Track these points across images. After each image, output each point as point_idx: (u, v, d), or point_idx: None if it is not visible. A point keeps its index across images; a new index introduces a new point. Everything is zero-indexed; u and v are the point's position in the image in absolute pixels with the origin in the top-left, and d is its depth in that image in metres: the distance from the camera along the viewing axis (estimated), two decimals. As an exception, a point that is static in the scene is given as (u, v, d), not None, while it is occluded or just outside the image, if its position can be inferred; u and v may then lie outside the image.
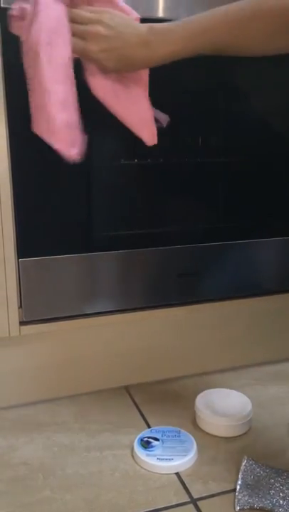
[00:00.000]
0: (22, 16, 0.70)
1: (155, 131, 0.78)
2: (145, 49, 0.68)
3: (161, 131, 0.93)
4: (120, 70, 0.72)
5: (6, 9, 0.75)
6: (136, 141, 0.93)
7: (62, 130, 0.69)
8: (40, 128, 0.69)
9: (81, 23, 0.68)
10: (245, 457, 0.80)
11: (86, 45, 0.68)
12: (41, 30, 0.66)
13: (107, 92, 0.74)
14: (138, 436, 0.85)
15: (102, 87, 0.73)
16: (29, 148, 0.84)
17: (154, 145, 0.93)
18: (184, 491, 0.76)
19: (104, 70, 0.71)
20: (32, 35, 0.67)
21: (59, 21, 0.68)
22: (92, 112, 0.87)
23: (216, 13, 0.65)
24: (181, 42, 0.67)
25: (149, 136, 0.77)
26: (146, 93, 0.76)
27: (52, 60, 0.67)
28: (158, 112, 0.80)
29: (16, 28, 0.71)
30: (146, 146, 0.93)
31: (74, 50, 0.69)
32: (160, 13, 0.84)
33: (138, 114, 0.76)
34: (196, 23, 0.66)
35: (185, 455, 0.81)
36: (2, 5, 0.75)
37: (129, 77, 0.74)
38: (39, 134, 0.69)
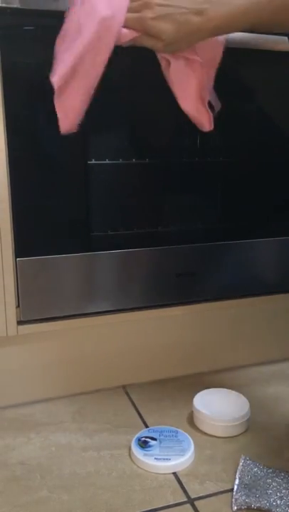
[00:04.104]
0: None
1: (212, 116, 0.78)
2: (200, 17, 0.68)
3: (159, 131, 0.94)
4: (176, 42, 0.71)
5: (4, 9, 0.76)
6: (134, 140, 0.93)
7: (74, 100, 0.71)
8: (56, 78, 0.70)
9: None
10: (243, 457, 0.80)
11: (141, 15, 0.69)
12: None
13: (177, 74, 0.75)
14: (135, 436, 0.85)
15: (173, 71, 0.74)
16: (27, 147, 0.84)
17: (153, 145, 0.94)
18: (181, 491, 0.76)
19: (162, 43, 0.71)
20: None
21: None
22: (91, 112, 0.87)
23: None
24: (237, 13, 0.68)
25: (207, 121, 0.78)
26: (214, 75, 0.77)
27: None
28: (214, 96, 0.81)
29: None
30: (144, 145, 0.93)
31: (129, 22, 0.70)
32: None
33: (198, 97, 0.77)
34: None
35: (182, 455, 0.81)
36: (0, 4, 0.75)
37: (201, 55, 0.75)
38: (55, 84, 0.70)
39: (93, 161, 0.90)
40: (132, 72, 0.88)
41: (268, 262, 1.06)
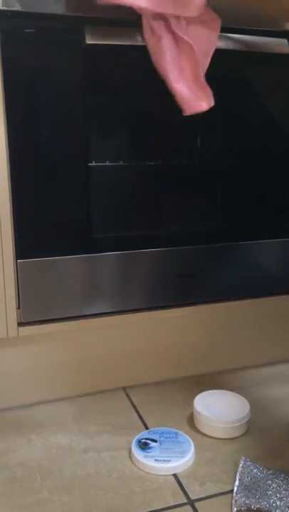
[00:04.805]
0: None
1: (210, 91, 0.77)
2: None
3: (159, 133, 0.94)
4: None
5: (5, 12, 0.76)
6: (134, 142, 0.94)
7: None
8: None
9: None
10: (243, 458, 0.80)
11: None
12: None
13: (170, 51, 0.75)
14: (136, 438, 0.85)
15: (166, 48, 0.74)
16: (28, 149, 0.84)
17: (153, 146, 0.94)
18: (181, 493, 0.76)
19: None
20: None
21: None
22: (92, 114, 0.88)
23: None
24: None
25: (205, 97, 0.77)
26: (207, 64, 0.77)
27: None
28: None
29: None
30: (144, 147, 0.94)
31: None
32: None
33: (192, 76, 0.76)
34: None
35: (183, 456, 0.81)
36: (1, 7, 0.75)
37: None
38: None
39: (94, 163, 0.90)
40: (133, 74, 0.88)
41: (269, 263, 1.06)
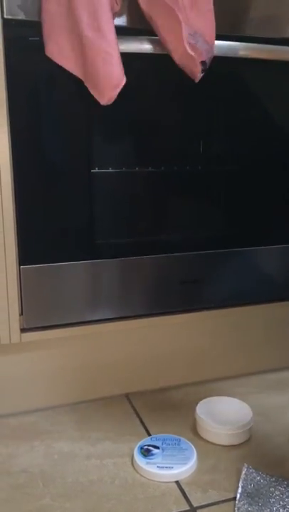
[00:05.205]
0: None
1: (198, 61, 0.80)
2: None
3: (162, 140, 0.95)
4: None
5: (9, 20, 0.77)
6: (137, 149, 0.94)
7: None
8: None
9: None
10: (246, 465, 0.80)
11: None
12: None
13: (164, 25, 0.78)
14: (138, 444, 0.85)
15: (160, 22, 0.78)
16: (31, 155, 0.85)
17: (156, 153, 0.95)
18: (183, 500, 0.76)
19: None
20: None
21: None
22: (95, 121, 0.88)
23: None
24: None
25: (195, 65, 0.80)
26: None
27: None
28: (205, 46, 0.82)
29: None
30: (147, 154, 0.94)
31: None
32: None
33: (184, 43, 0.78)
34: None
35: (185, 463, 0.81)
36: (5, 16, 0.76)
37: None
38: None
39: (96, 170, 0.90)
40: (136, 81, 0.89)
41: (272, 269, 1.06)
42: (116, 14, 0.79)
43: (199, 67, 0.81)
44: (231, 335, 1.10)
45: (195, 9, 0.80)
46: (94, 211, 0.92)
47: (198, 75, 0.82)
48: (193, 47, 0.79)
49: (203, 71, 0.82)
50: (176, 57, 0.80)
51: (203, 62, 0.81)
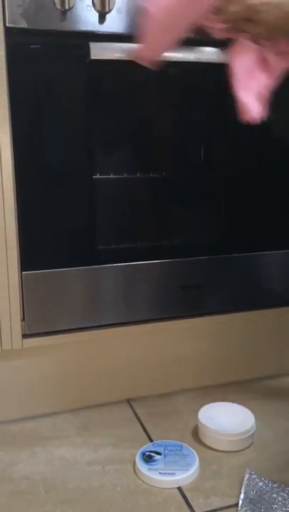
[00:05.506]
0: None
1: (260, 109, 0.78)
2: None
3: (163, 146, 0.95)
4: (276, 30, 0.71)
5: (11, 29, 0.78)
6: (138, 155, 0.95)
7: None
8: None
9: None
10: (248, 471, 0.80)
11: None
12: None
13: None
14: (140, 451, 0.85)
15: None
16: (33, 161, 0.85)
17: (157, 159, 0.95)
18: (185, 506, 0.75)
19: (262, 28, 0.70)
20: None
21: None
22: (97, 128, 0.89)
23: None
24: None
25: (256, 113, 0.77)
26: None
27: None
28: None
29: None
30: (148, 160, 0.95)
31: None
32: None
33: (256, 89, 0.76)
34: None
35: (187, 469, 0.81)
36: (7, 25, 0.77)
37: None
38: None
39: (98, 176, 0.91)
40: (137, 88, 0.90)
41: (274, 274, 1.06)
42: None
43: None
44: (233, 340, 1.10)
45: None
46: (95, 217, 0.92)
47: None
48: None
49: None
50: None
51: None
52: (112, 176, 0.93)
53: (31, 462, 0.85)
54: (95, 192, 0.91)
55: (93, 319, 0.95)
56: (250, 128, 0.99)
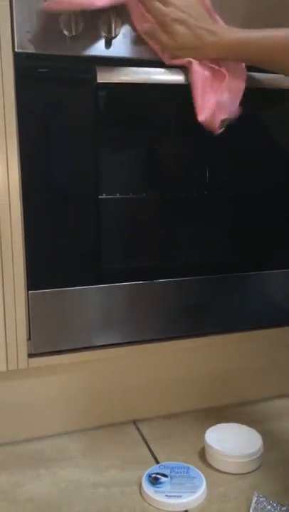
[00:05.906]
0: None
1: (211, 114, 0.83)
2: (213, 36, 0.76)
3: (169, 166, 0.96)
4: (186, 49, 0.78)
5: (20, 53, 0.80)
6: (145, 175, 0.96)
7: None
8: None
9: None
10: (256, 494, 0.78)
11: (165, 9, 0.75)
12: None
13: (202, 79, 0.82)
14: (146, 473, 0.84)
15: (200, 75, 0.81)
16: (40, 182, 0.86)
17: (163, 179, 0.96)
18: (193, 530, 0.74)
19: (174, 44, 0.77)
20: None
21: None
22: (103, 149, 0.90)
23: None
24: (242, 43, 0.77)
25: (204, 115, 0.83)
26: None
27: None
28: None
29: None
30: (154, 180, 0.96)
31: (152, 11, 0.76)
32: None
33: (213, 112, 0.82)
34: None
35: (194, 492, 0.79)
36: (16, 50, 0.79)
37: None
38: None
39: (104, 196, 0.92)
40: (143, 110, 0.91)
41: (278, 294, 1.06)
42: None
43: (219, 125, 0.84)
44: (239, 360, 1.09)
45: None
46: (101, 236, 0.93)
47: (218, 130, 0.85)
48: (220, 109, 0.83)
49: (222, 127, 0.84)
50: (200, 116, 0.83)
51: (223, 121, 0.84)
52: (117, 195, 0.94)
53: (36, 484, 0.84)
54: (100, 211, 0.92)
55: (99, 338, 0.95)
56: (255, 148, 1.00)
